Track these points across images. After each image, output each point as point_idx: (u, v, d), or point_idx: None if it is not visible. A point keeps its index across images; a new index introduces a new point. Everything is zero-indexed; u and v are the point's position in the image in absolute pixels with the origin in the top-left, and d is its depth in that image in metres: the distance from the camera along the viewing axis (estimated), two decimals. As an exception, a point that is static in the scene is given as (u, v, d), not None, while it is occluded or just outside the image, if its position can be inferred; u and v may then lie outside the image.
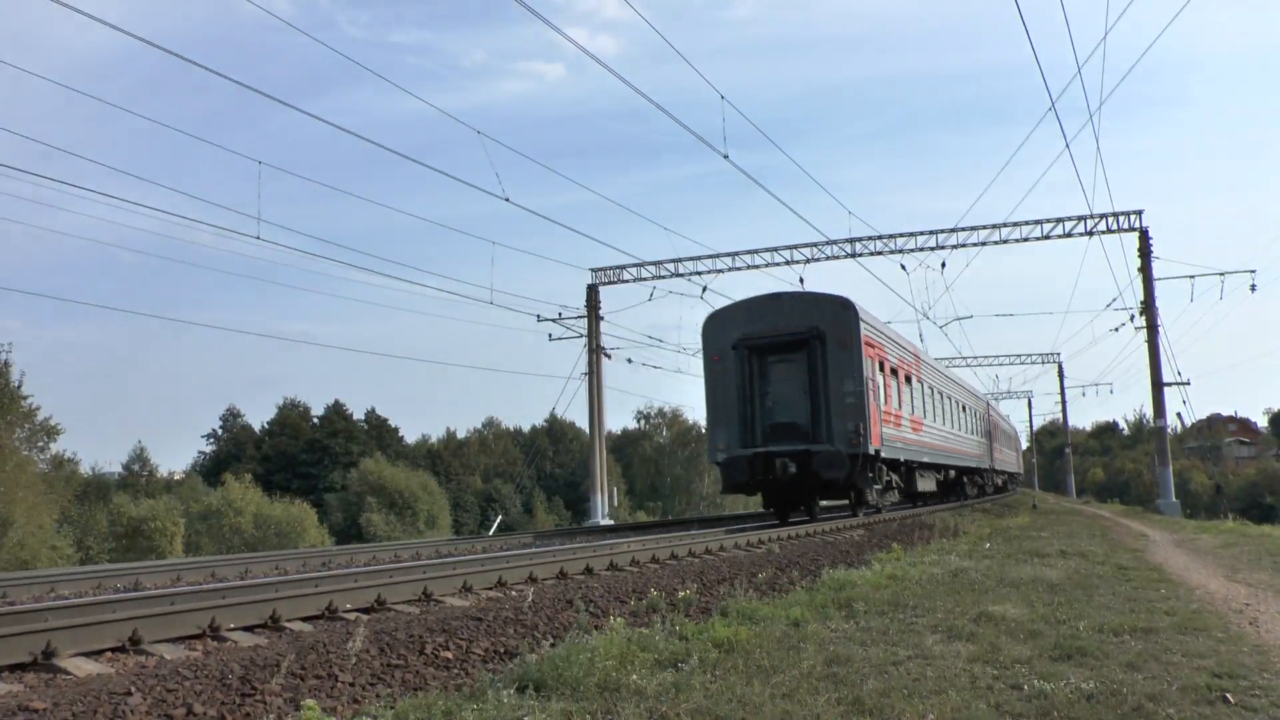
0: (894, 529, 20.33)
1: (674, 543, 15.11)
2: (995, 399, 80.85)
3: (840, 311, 16.97)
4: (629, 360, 39.23)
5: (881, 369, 18.66)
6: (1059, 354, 68.37)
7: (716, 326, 17.55)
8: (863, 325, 17.29)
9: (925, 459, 23.47)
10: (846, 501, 20.16)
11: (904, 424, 20.67)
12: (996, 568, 11.95)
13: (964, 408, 31.47)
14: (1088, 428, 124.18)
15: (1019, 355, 64.39)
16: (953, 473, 29.38)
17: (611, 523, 36.53)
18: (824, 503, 22.59)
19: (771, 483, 17.31)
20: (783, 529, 16.52)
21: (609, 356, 38.53)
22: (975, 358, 62.28)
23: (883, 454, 19.03)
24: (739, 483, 17.38)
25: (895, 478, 21.13)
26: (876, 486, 19.62)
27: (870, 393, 17.57)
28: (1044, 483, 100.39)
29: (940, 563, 12.85)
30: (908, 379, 21.18)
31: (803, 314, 17.22)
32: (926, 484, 24.19)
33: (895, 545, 15.48)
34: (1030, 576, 10.93)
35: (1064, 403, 72.28)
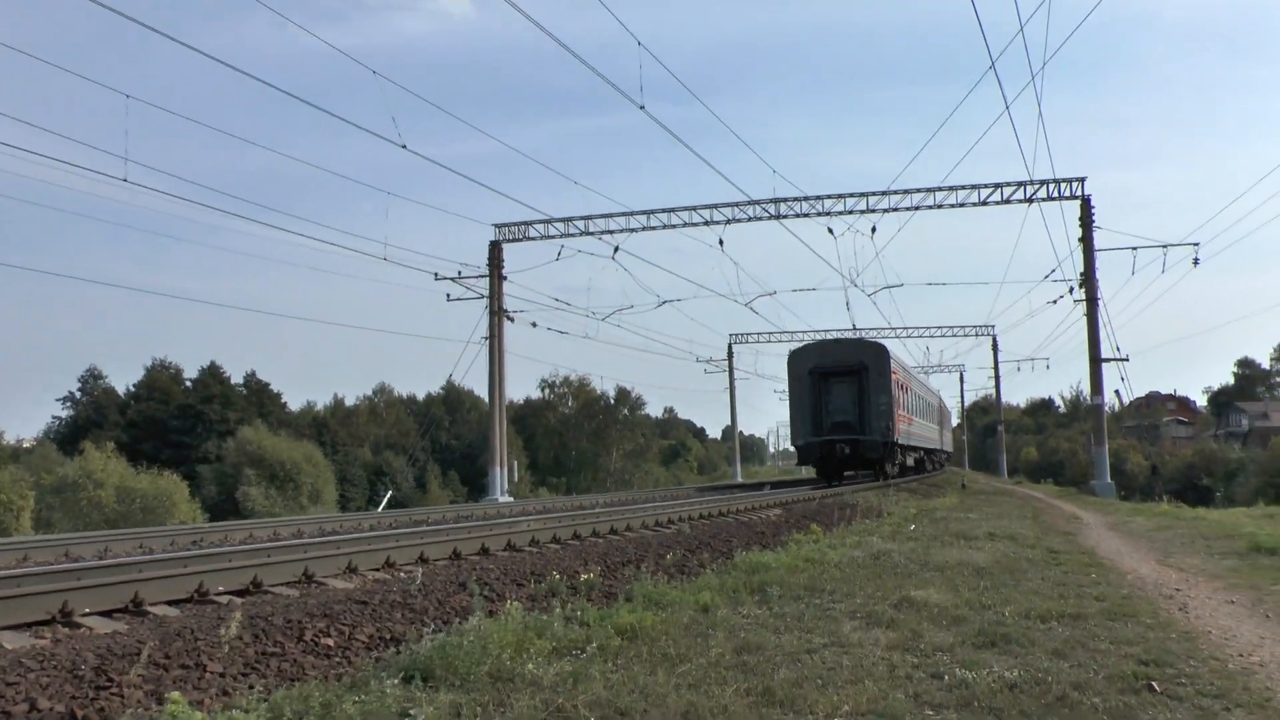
0: (813, 509, 20.79)
1: (577, 522, 15.20)
2: (925, 372, 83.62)
3: (879, 351, 32.02)
4: (533, 324, 39.30)
5: (899, 386, 33.51)
6: (994, 327, 70.54)
7: (798, 359, 32.91)
8: (891, 361, 32.23)
9: (913, 444, 38.93)
10: (871, 471, 35.33)
11: (905, 422, 35.56)
12: (921, 551, 12.23)
13: (928, 405, 45.12)
14: (1022, 404, 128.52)
15: (952, 327, 65.99)
16: (922, 453, 43.74)
17: (511, 499, 36.48)
18: (847, 473, 36.52)
19: (832, 459, 32.02)
20: (696, 507, 18.62)
21: (511, 319, 38.36)
22: (905, 329, 63.88)
23: (899, 442, 34.47)
24: (811, 458, 32.41)
25: (903, 457, 36.66)
26: (895, 463, 34.44)
27: (894, 403, 32.05)
28: (975, 462, 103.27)
29: (861, 545, 13.10)
30: (905, 389, 35.84)
31: (854, 353, 32.19)
32: (910, 461, 38.75)
33: (814, 526, 15.76)
34: (956, 560, 11.19)
35: (998, 378, 74.60)
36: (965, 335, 67.06)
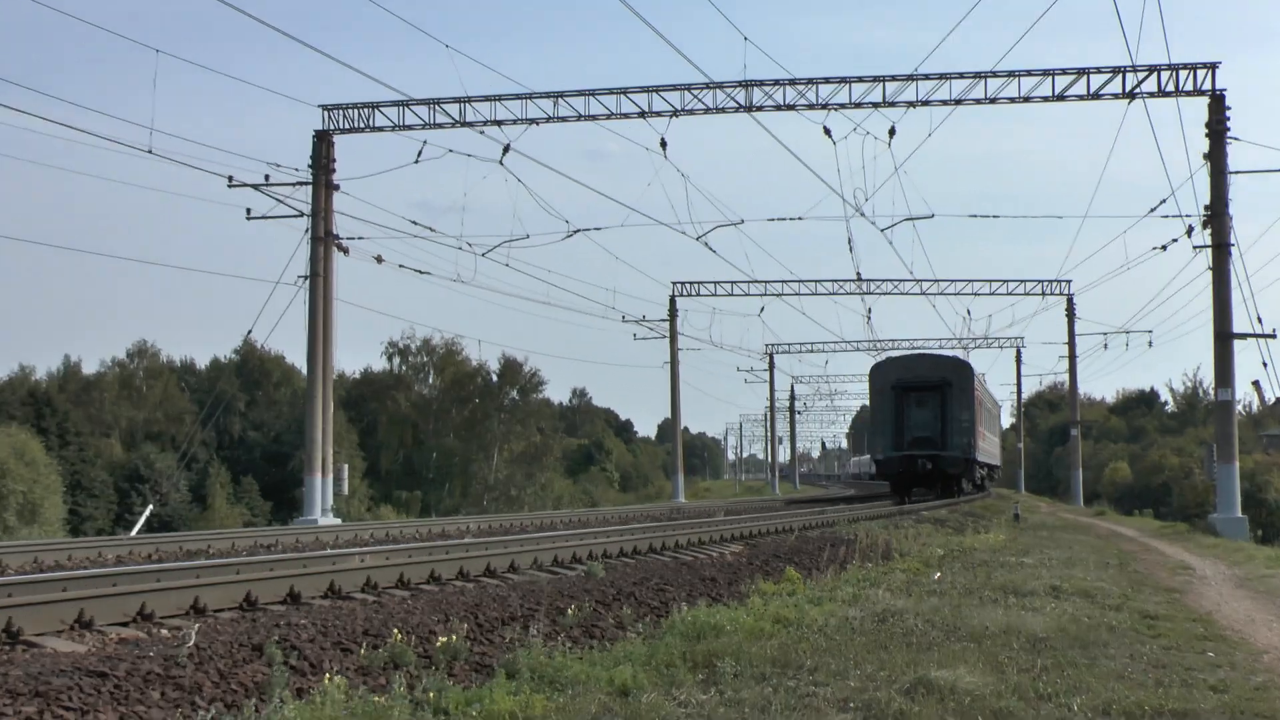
0: (788, 546, 21.16)
1: (436, 558, 15.27)
2: (964, 347, 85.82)
3: (962, 367, 45.30)
4: (378, 258, 39.34)
5: (979, 404, 45.78)
6: (1068, 283, 71.91)
7: (880, 373, 45.55)
8: (975, 377, 44.87)
9: (982, 459, 51.83)
10: (933, 491, 48.85)
11: (981, 438, 47.69)
12: (948, 611, 12.42)
13: (990, 413, 57.62)
14: (1109, 399, 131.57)
15: (1004, 281, 67.09)
16: (986, 470, 56.46)
17: (339, 521, 36.30)
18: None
19: (912, 474, 43.86)
20: (617, 540, 19.42)
21: (345, 250, 38.39)
22: (934, 281, 64.74)
23: (977, 458, 47.19)
24: (892, 473, 45.18)
25: (979, 473, 49.44)
26: (974, 480, 47.18)
27: (976, 419, 44.18)
28: (1035, 480, 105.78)
29: (860, 600, 13.27)
30: (980, 404, 48.01)
31: (937, 368, 45.11)
32: (978, 478, 51.80)
33: (789, 571, 15.95)
34: (1001, 625, 11.41)
35: (1073, 360, 75.54)
36: (1024, 294, 68.26)
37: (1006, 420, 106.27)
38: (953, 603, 13.20)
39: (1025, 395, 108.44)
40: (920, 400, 47.65)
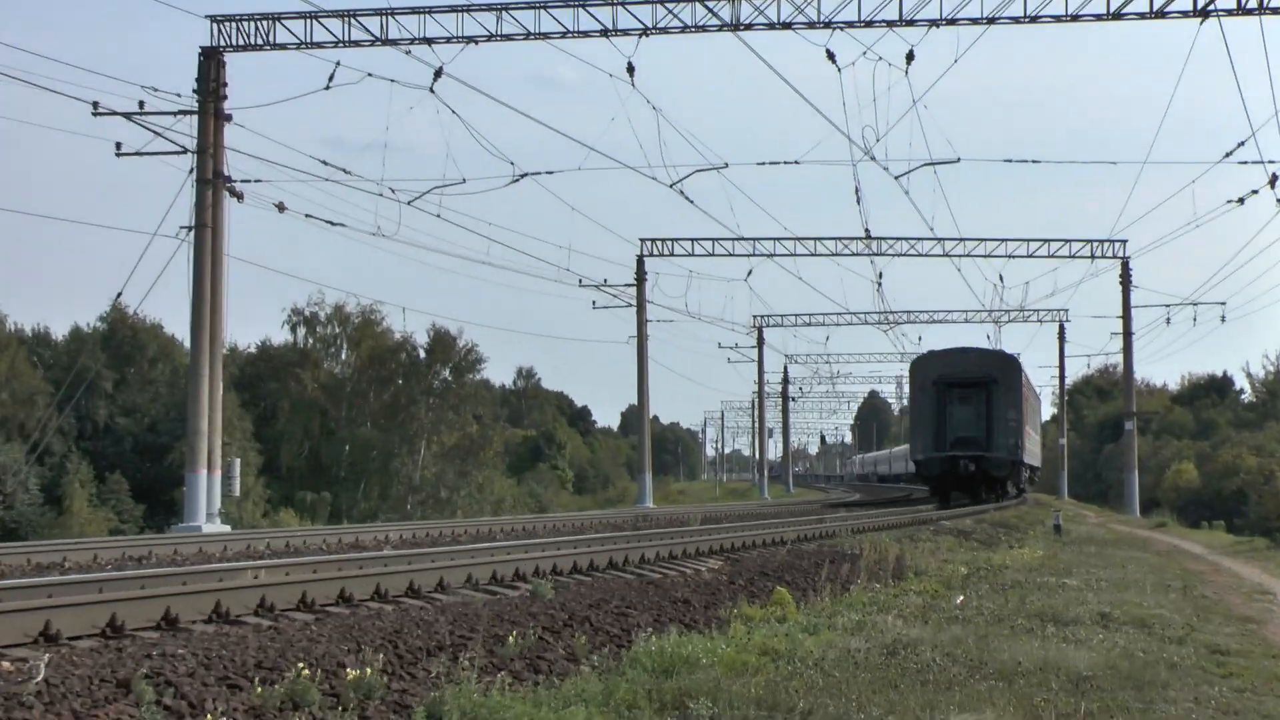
0: (778, 562, 21.27)
1: (348, 574, 15.24)
2: (995, 320, 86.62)
3: (1009, 363, 54.37)
4: (280, 206, 39.36)
5: (1026, 401, 55.88)
6: (1123, 244, 71.92)
7: (921, 368, 54.40)
8: (1022, 374, 55.20)
9: (1027, 460, 57.87)
10: (968, 495, 55.31)
11: (1027, 438, 55.76)
12: (972, 642, 12.45)
13: (1033, 409, 65.73)
14: (1172, 385, 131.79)
15: (1045, 240, 67.26)
16: (1029, 471, 64.96)
17: (228, 528, 36.18)
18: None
19: (954, 475, 50.69)
20: (570, 553, 20.39)
21: (238, 196, 38.44)
22: (959, 240, 64.89)
23: (1025, 461, 55.91)
24: (933, 475, 52.61)
25: (1025, 475, 59.51)
26: (1020, 483, 56.78)
27: (1023, 419, 52.64)
28: (1081, 483, 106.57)
29: (865, 628, 13.30)
30: (1026, 400, 55.37)
31: (982, 363, 53.52)
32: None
33: (780, 591, 15.97)
34: (1037, 661, 11.48)
35: (1128, 336, 75.57)
36: (1069, 257, 68.51)
37: (1046, 411, 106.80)
38: (978, 632, 13.24)
39: (1069, 380, 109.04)
40: (964, 397, 53.17)
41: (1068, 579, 20.61)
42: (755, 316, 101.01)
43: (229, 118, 38.16)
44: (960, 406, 53.04)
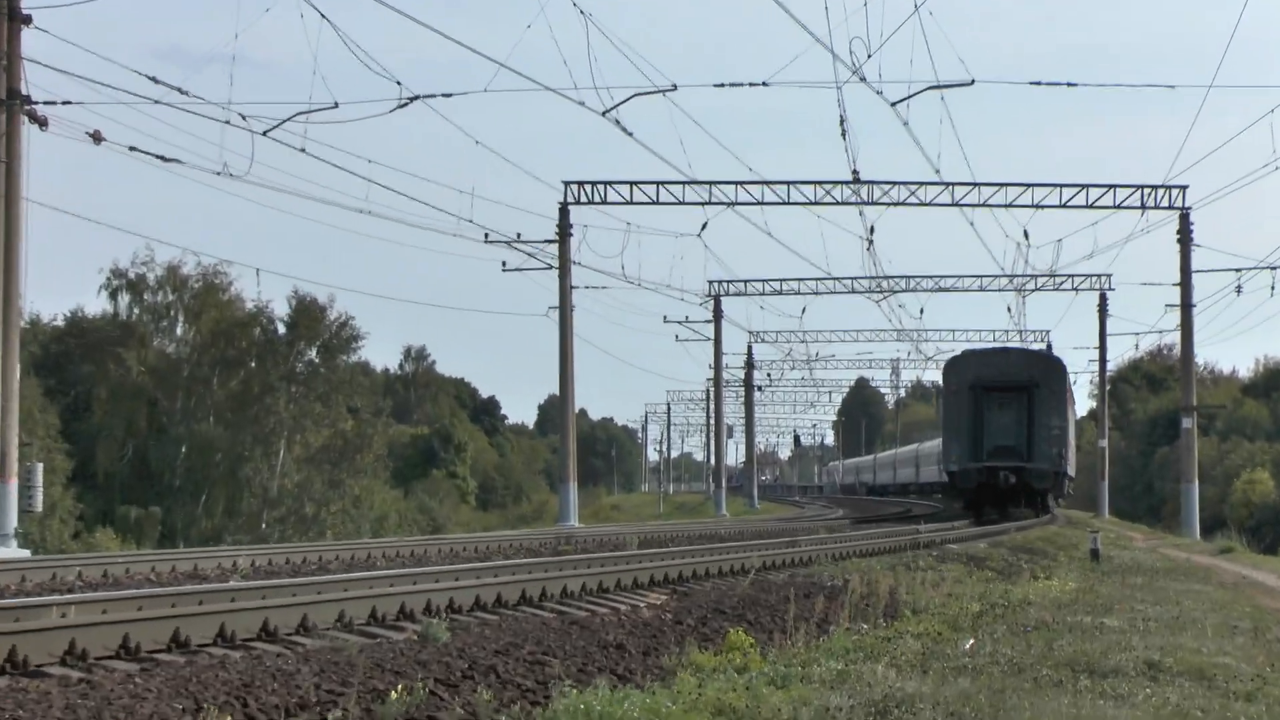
0: (738, 597, 21.42)
1: (182, 611, 15.13)
2: (1019, 290, 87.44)
3: (1053, 365, 65.48)
4: (96, 136, 39.20)
5: (1070, 406, 68.37)
6: (1181, 191, 71.56)
7: (956, 370, 63.84)
8: (1067, 377, 66.05)
9: (1070, 472, 66.52)
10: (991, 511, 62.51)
11: (1069, 448, 64.47)
12: (984, 699, 12.50)
13: (1072, 414, 73.72)
14: (1242, 371, 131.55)
15: (1081, 187, 67.14)
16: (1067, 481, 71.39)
17: (27, 553, 35.93)
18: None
19: (992, 488, 59.05)
20: (474, 585, 20.17)
21: (41, 123, 38.35)
22: (972, 185, 64.52)
23: (1068, 472, 65.56)
24: (968, 487, 61.21)
25: (1068, 487, 72.45)
26: (1062, 496, 69.80)
27: (1068, 426, 63.65)
28: (1125, 495, 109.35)
29: (848, 681, 13.36)
30: (1070, 405, 68.01)
31: (1024, 366, 63.30)
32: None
33: (738, 634, 16.01)
34: (1063, 720, 11.56)
35: (1187, 309, 75.13)
36: (1113, 207, 68.46)
37: (1083, 405, 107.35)
38: (992, 686, 13.33)
39: (1112, 365, 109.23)
40: (1003, 403, 60.64)
41: (1107, 618, 20.74)
42: (711, 283, 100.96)
43: (27, 19, 37.81)
44: (999, 413, 60.16)
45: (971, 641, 17.16)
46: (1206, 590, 29.84)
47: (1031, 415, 59.86)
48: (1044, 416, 59.89)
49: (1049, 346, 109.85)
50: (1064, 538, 48.01)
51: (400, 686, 11.90)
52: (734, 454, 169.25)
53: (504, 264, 66.92)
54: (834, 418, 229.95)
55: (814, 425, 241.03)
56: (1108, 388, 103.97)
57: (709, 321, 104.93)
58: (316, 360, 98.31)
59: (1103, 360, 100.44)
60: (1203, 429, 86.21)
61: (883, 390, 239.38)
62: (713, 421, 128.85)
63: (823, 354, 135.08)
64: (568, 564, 26.28)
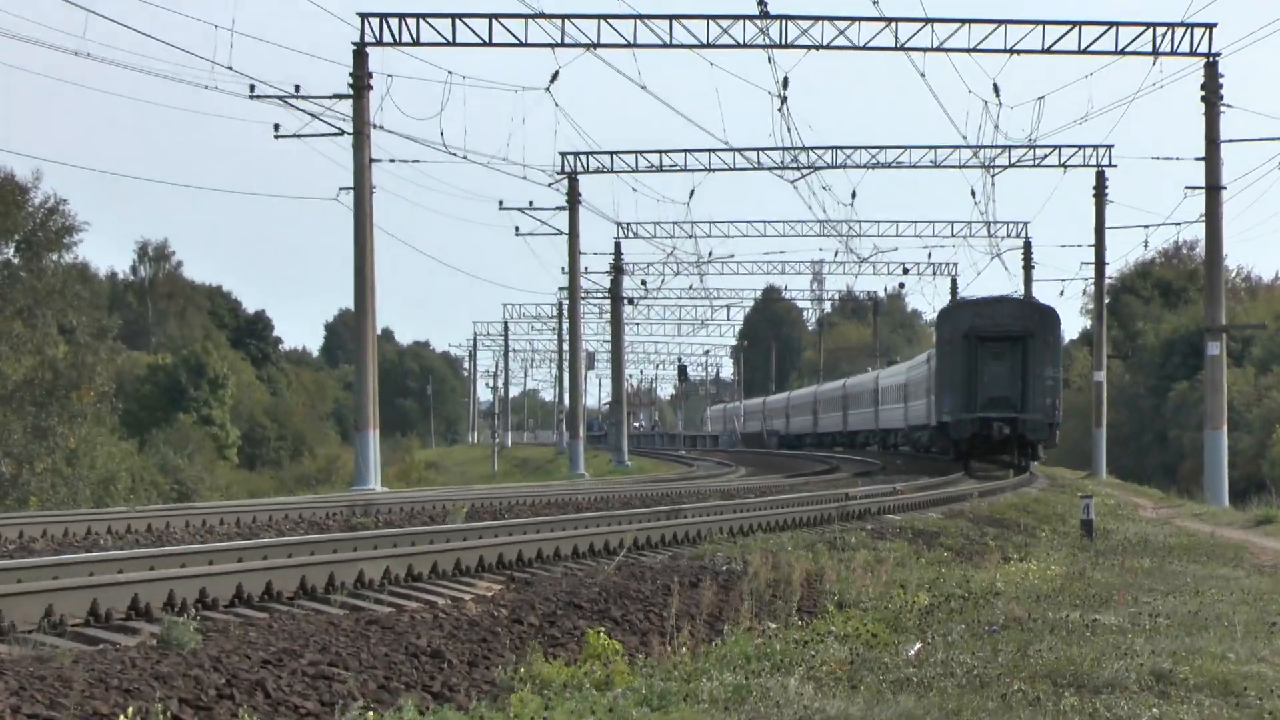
0: (598, 586, 21.33)
1: None
2: (987, 166, 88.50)
3: (1047, 315, 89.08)
4: None
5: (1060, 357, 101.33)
6: (1206, 31, 71.76)
7: (950, 319, 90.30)
8: (1060, 327, 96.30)
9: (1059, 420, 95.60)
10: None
11: (1060, 398, 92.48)
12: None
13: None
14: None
15: (1072, 24, 67.35)
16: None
17: None
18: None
19: (986, 440, 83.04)
20: (245, 575, 18.41)
21: None
22: (924, 22, 64.37)
23: (1060, 422, 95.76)
24: (962, 438, 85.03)
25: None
26: (1053, 446, 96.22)
27: (1060, 377, 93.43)
28: (1129, 449, 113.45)
29: (749, 699, 13.46)
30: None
31: (1018, 316, 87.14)
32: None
33: (597, 637, 16.02)
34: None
35: (1214, 192, 76.02)
36: (1115, 52, 68.94)
37: (1072, 324, 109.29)
38: (945, 706, 13.44)
39: (1112, 270, 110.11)
40: (997, 353, 79.04)
41: (1102, 614, 20.96)
42: (565, 155, 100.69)
43: None
44: (993, 363, 78.61)
45: (918, 646, 17.30)
46: (1236, 576, 30.13)
47: (1026, 366, 77.63)
48: (1038, 367, 77.60)
49: (1027, 245, 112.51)
50: (1046, 505, 48.49)
51: (131, 710, 11.85)
52: (596, 392, 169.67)
53: (277, 128, 66.57)
54: (733, 342, 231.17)
55: (706, 353, 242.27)
56: (1106, 300, 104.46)
57: (561, 209, 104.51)
58: (16, 261, 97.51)
59: (1099, 263, 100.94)
60: (1234, 357, 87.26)
61: (801, 305, 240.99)
62: (566, 348, 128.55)
63: (718, 254, 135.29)
64: (366, 542, 26.19)
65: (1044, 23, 68.26)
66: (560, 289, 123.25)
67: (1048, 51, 68.35)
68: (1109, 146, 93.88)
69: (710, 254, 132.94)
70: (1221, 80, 71.12)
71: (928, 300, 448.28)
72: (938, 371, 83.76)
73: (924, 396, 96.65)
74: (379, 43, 66.60)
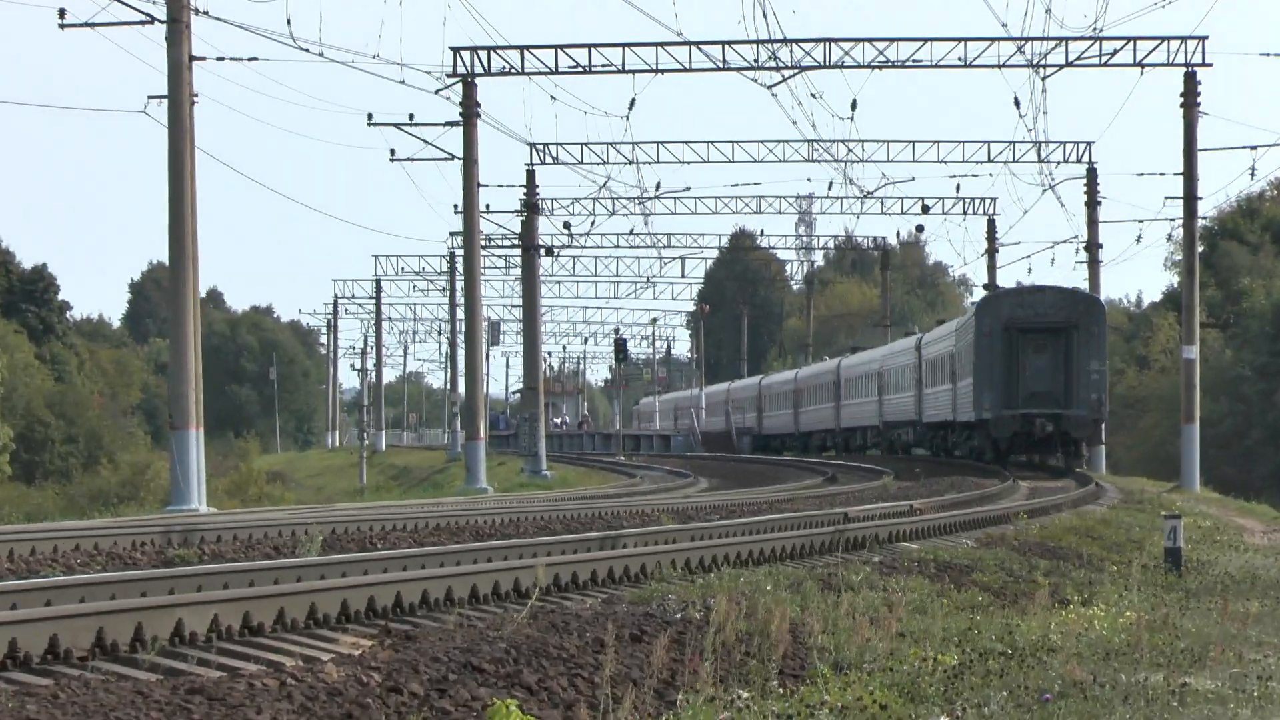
0: (507, 641, 21.37)
1: None
2: (1036, 58, 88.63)
3: (1092, 305, 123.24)
4: None
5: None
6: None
7: (989, 309, 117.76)
8: (1105, 316, 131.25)
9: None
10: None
11: (1106, 393, 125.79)
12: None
13: None
14: None
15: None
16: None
17: None
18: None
19: (1029, 436, 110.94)
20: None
21: None
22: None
23: (1107, 419, 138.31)
24: (1004, 435, 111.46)
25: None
26: (1098, 445, 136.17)
27: (1106, 371, 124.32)
28: (1232, 454, 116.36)
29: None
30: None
31: (1061, 306, 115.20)
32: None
33: (506, 710, 16.08)
34: None
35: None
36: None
37: (1152, 283, 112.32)
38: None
39: (1207, 208, 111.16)
40: (1039, 346, 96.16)
41: (1193, 675, 21.08)
42: (458, 51, 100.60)
43: None
44: (1035, 356, 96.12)
45: (944, 720, 17.36)
46: None
47: (1069, 358, 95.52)
48: (1083, 360, 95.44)
49: (1090, 173, 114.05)
50: (1117, 528, 48.80)
51: None
52: (504, 377, 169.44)
53: (62, 14, 66.66)
54: (690, 307, 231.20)
55: (654, 322, 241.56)
56: (1199, 249, 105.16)
57: (453, 125, 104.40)
58: None
59: (1190, 197, 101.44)
60: None
61: (783, 255, 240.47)
62: (461, 316, 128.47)
63: (668, 186, 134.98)
64: (187, 582, 26.18)
65: None
66: (453, 235, 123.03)
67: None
68: (1202, 38, 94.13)
69: (658, 187, 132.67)
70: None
71: (955, 249, 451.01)
72: (975, 365, 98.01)
73: (948, 382, 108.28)
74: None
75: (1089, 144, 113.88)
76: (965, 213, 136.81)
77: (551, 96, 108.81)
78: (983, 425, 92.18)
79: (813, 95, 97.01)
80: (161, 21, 64.95)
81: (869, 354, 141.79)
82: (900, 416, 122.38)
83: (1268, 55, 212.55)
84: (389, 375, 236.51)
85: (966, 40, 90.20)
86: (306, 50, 72.80)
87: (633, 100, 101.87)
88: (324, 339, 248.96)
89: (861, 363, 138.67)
